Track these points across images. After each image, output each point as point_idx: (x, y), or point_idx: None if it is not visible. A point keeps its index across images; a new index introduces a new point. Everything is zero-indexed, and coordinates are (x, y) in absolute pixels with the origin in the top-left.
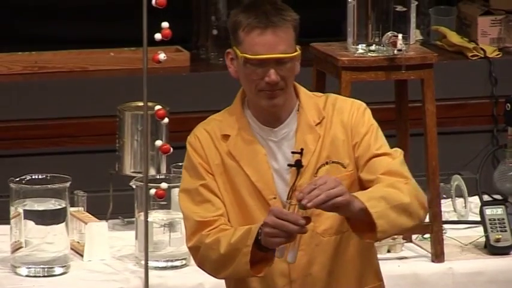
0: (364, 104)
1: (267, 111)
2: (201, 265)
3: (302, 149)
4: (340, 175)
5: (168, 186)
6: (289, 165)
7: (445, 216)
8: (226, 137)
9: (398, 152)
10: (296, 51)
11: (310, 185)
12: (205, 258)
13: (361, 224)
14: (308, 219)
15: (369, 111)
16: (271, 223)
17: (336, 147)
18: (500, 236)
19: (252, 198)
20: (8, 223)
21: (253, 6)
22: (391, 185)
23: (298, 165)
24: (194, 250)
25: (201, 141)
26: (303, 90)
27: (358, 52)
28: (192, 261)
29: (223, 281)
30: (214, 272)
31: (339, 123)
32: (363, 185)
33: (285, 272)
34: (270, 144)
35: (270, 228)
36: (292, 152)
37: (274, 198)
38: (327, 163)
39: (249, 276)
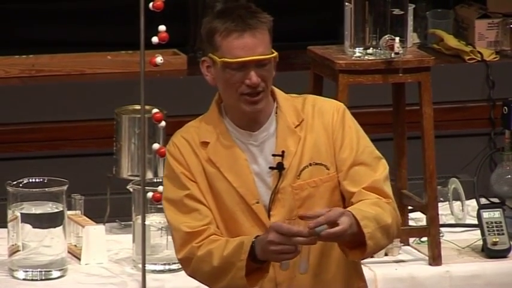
0: (343, 105)
1: (247, 116)
2: (193, 276)
3: (283, 151)
4: (323, 177)
5: None
6: (270, 167)
7: (443, 220)
8: (205, 144)
9: (382, 167)
10: (273, 52)
11: (325, 218)
12: (198, 270)
13: (348, 242)
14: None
15: (348, 113)
16: (276, 240)
17: (318, 149)
18: (497, 239)
19: (235, 204)
20: (5, 226)
21: (227, 12)
22: (377, 204)
23: (279, 167)
24: (185, 261)
25: (181, 150)
26: (279, 93)
27: (355, 55)
28: None
29: None
30: (207, 283)
31: (320, 125)
32: (344, 194)
33: (271, 276)
34: (250, 148)
35: (276, 245)
36: (273, 155)
37: (257, 202)
38: (310, 165)
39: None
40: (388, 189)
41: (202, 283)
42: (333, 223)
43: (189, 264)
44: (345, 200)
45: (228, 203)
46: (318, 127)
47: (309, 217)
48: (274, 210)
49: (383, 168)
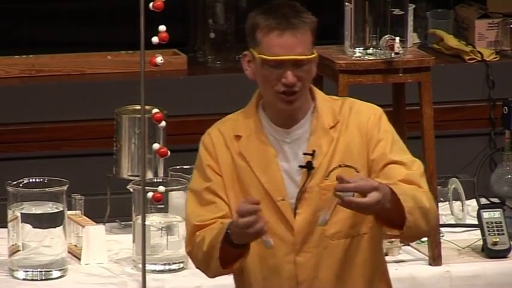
0: (380, 109)
1: (283, 113)
2: (197, 267)
3: (314, 151)
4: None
5: (166, 189)
6: (300, 166)
7: (443, 220)
8: (238, 137)
9: (417, 165)
10: (313, 53)
11: (354, 186)
12: (196, 259)
13: (386, 218)
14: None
15: (385, 117)
16: (244, 224)
17: (350, 151)
18: (497, 240)
19: (261, 199)
20: (6, 226)
21: (272, 8)
22: (415, 189)
23: (309, 166)
24: (190, 254)
25: (214, 141)
26: (319, 93)
27: (355, 55)
28: (190, 265)
29: (220, 284)
30: (203, 271)
31: (355, 127)
32: None
33: (292, 274)
34: (282, 145)
35: (245, 228)
36: (304, 154)
37: (283, 199)
38: (339, 166)
39: (221, 273)
40: (424, 184)
41: (206, 274)
42: (363, 194)
43: (192, 256)
44: None
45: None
46: (352, 129)
47: (345, 180)
48: (300, 208)
49: (418, 165)
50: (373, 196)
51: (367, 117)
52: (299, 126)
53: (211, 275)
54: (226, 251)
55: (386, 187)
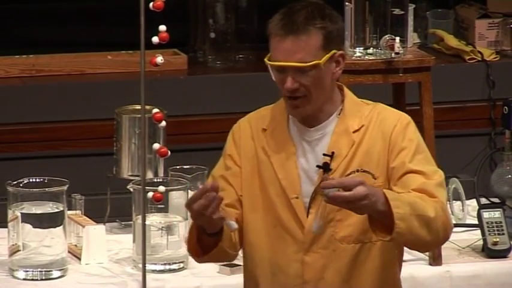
0: (409, 118)
1: None
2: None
3: (333, 153)
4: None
5: (166, 189)
6: (317, 166)
7: None
8: (264, 130)
9: (438, 175)
10: (319, 59)
11: (338, 181)
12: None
13: (380, 223)
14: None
15: (413, 126)
16: (192, 215)
17: (370, 157)
18: (497, 239)
19: (277, 196)
20: (6, 226)
21: (288, 10)
22: (419, 197)
23: (325, 167)
24: None
25: (241, 133)
26: (350, 95)
27: (355, 55)
28: (190, 265)
29: (220, 284)
30: (195, 258)
31: (380, 134)
32: None
33: (299, 273)
34: (303, 143)
35: (195, 218)
36: (324, 154)
37: (297, 198)
38: (357, 171)
39: (194, 258)
40: (439, 193)
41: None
42: (348, 189)
43: None
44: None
45: (271, 193)
46: (376, 135)
47: (329, 179)
48: (314, 208)
49: (438, 175)
50: (358, 190)
51: (393, 124)
52: (322, 127)
53: (199, 260)
54: (204, 239)
55: (379, 189)
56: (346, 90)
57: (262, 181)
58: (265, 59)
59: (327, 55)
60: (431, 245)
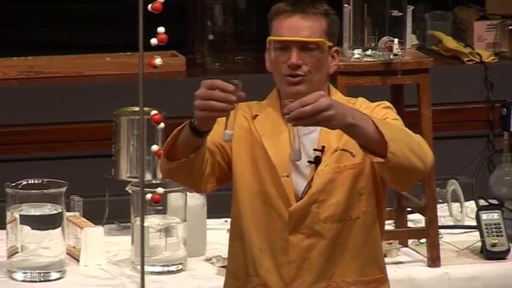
0: (388, 103)
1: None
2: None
3: (323, 146)
4: (347, 163)
5: (164, 191)
6: (309, 161)
7: (441, 221)
8: (255, 116)
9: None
10: (324, 42)
11: (298, 101)
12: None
13: (368, 144)
14: (240, 96)
15: (392, 109)
16: (201, 94)
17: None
18: (496, 241)
19: (267, 172)
20: (4, 228)
21: None
22: (398, 126)
23: (317, 162)
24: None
25: (238, 109)
26: (336, 94)
27: (354, 57)
28: (189, 266)
29: (219, 285)
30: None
31: None
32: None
33: (284, 251)
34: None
35: (200, 100)
36: (314, 149)
37: (287, 176)
38: (335, 151)
39: (163, 161)
40: (419, 136)
41: (161, 166)
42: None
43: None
44: (378, 187)
45: (261, 170)
46: None
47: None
48: (304, 196)
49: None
50: (320, 101)
51: (374, 106)
52: None
53: (161, 163)
54: (187, 138)
55: (355, 109)
56: (333, 88)
57: (253, 157)
58: (269, 38)
59: (329, 42)
60: (421, 168)
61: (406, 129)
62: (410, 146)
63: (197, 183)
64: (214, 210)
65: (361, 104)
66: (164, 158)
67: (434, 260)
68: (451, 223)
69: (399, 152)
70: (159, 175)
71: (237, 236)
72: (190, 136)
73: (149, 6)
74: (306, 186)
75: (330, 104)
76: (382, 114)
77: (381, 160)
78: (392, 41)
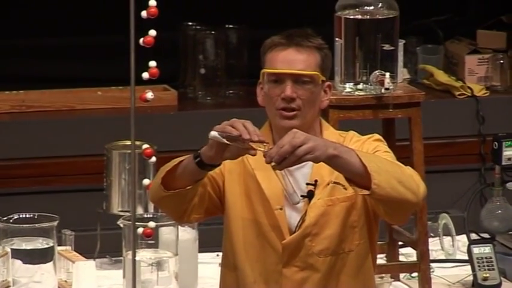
0: (379, 136)
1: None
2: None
3: (316, 180)
4: (340, 196)
5: (156, 225)
6: (302, 196)
7: (433, 255)
8: None
9: (410, 168)
10: (319, 76)
11: (275, 146)
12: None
13: (357, 183)
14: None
15: (383, 142)
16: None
17: None
18: (488, 275)
19: (260, 205)
20: None
21: (284, 32)
22: (385, 158)
23: (310, 196)
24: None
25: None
26: (328, 128)
27: (345, 91)
28: None
29: None
30: (152, 188)
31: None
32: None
33: (278, 284)
34: (286, 172)
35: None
36: (307, 184)
37: (280, 209)
38: (328, 184)
39: (159, 188)
40: (410, 169)
41: (151, 194)
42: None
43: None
44: (370, 220)
45: (255, 203)
46: None
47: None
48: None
49: (410, 169)
50: (297, 136)
51: (365, 139)
52: None
53: (154, 189)
54: (190, 170)
55: (337, 143)
56: (325, 123)
57: (247, 189)
58: (263, 70)
59: (323, 76)
60: (412, 200)
61: (396, 161)
62: (399, 177)
63: (182, 214)
64: (206, 244)
65: (352, 137)
66: (161, 185)
67: None
68: (443, 257)
69: (385, 184)
70: (151, 209)
71: (230, 267)
72: (194, 169)
73: (141, 40)
74: (299, 220)
75: (306, 137)
76: (373, 147)
77: (366, 192)
78: (384, 74)
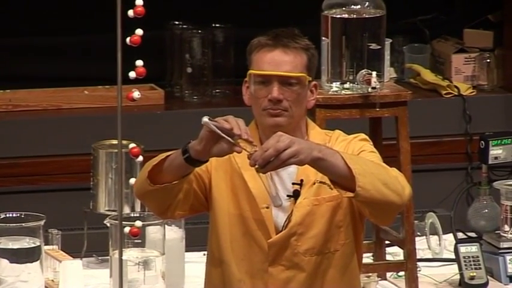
0: (365, 136)
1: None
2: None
3: (302, 180)
4: (326, 196)
5: (143, 224)
6: (288, 195)
7: (420, 254)
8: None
9: (395, 170)
10: (306, 77)
11: (259, 149)
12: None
13: (342, 186)
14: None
15: (369, 142)
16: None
17: None
18: (474, 274)
19: (246, 203)
20: None
21: (270, 32)
22: (370, 161)
23: (296, 195)
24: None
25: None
26: (314, 128)
27: (332, 90)
28: None
29: None
30: (137, 181)
31: (338, 150)
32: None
33: (264, 282)
34: (271, 172)
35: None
36: (293, 183)
37: (267, 207)
38: (314, 183)
39: (145, 182)
40: (395, 170)
41: (135, 186)
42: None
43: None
44: (356, 220)
45: (241, 200)
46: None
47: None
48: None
49: (395, 170)
50: (282, 139)
51: (351, 139)
52: None
53: (140, 183)
54: (177, 165)
55: (323, 145)
56: (311, 122)
57: (233, 187)
58: (249, 71)
59: (309, 77)
60: (396, 202)
61: (381, 163)
62: (384, 179)
63: (166, 209)
64: (193, 244)
65: (338, 136)
66: (147, 179)
67: None
68: (430, 256)
69: (369, 186)
70: (138, 208)
71: (215, 264)
72: (181, 164)
73: (127, 39)
74: (285, 220)
75: (291, 140)
76: (359, 147)
77: (351, 195)
78: (371, 74)
